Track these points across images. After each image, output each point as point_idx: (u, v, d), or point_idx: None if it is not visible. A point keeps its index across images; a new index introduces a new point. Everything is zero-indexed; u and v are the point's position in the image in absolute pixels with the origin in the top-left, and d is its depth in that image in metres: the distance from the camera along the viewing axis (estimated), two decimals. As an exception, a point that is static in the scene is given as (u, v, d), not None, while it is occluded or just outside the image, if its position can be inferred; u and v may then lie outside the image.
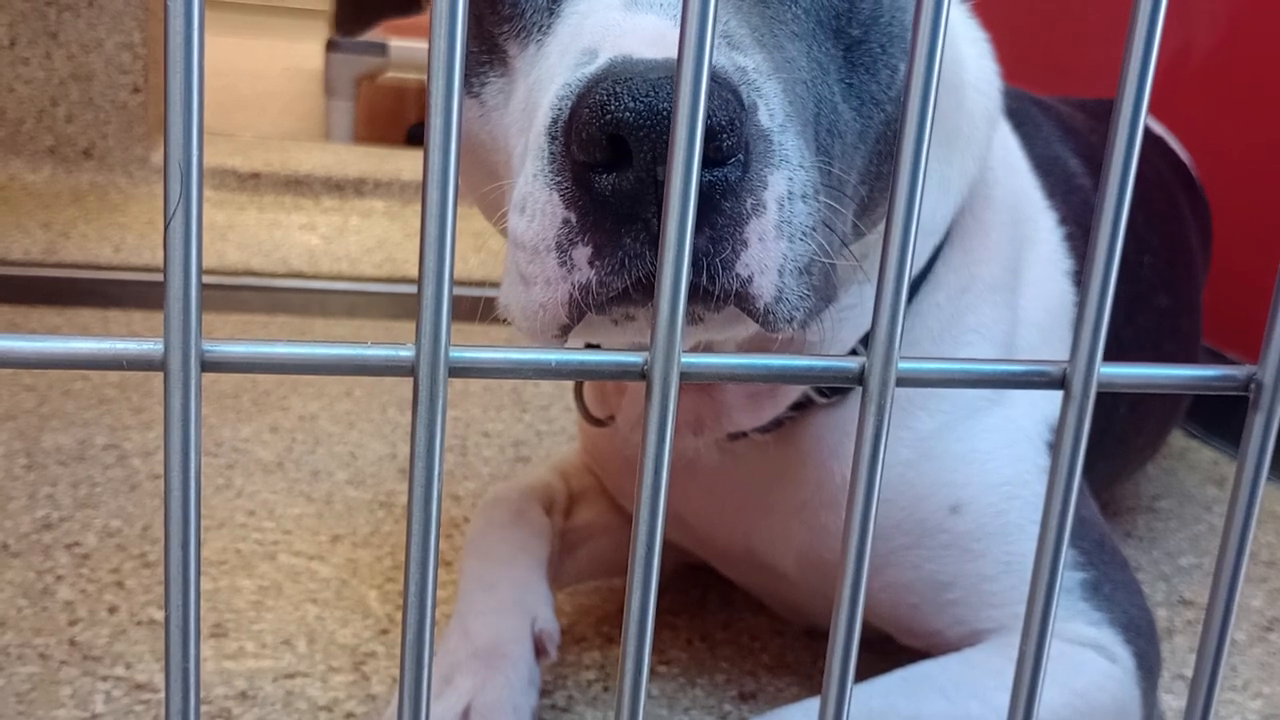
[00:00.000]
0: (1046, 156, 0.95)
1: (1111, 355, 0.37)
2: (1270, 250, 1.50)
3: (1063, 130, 1.03)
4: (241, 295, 1.88)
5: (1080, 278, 0.87)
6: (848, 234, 0.63)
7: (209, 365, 0.33)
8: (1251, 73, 1.54)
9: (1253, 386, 0.40)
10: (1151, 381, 0.40)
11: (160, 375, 0.33)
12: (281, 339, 0.34)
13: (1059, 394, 0.38)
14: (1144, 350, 1.04)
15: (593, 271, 0.52)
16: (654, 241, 0.50)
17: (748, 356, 0.38)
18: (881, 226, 0.64)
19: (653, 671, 0.90)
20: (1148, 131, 0.36)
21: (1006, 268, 0.82)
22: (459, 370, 0.35)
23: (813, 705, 0.69)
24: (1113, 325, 0.38)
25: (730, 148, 0.49)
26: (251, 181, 2.46)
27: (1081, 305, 0.37)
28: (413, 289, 1.89)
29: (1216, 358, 1.45)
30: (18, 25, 2.34)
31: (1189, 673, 0.96)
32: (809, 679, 0.91)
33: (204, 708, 0.82)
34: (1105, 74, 1.77)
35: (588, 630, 0.96)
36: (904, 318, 0.36)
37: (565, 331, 0.55)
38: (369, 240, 2.21)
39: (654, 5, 0.54)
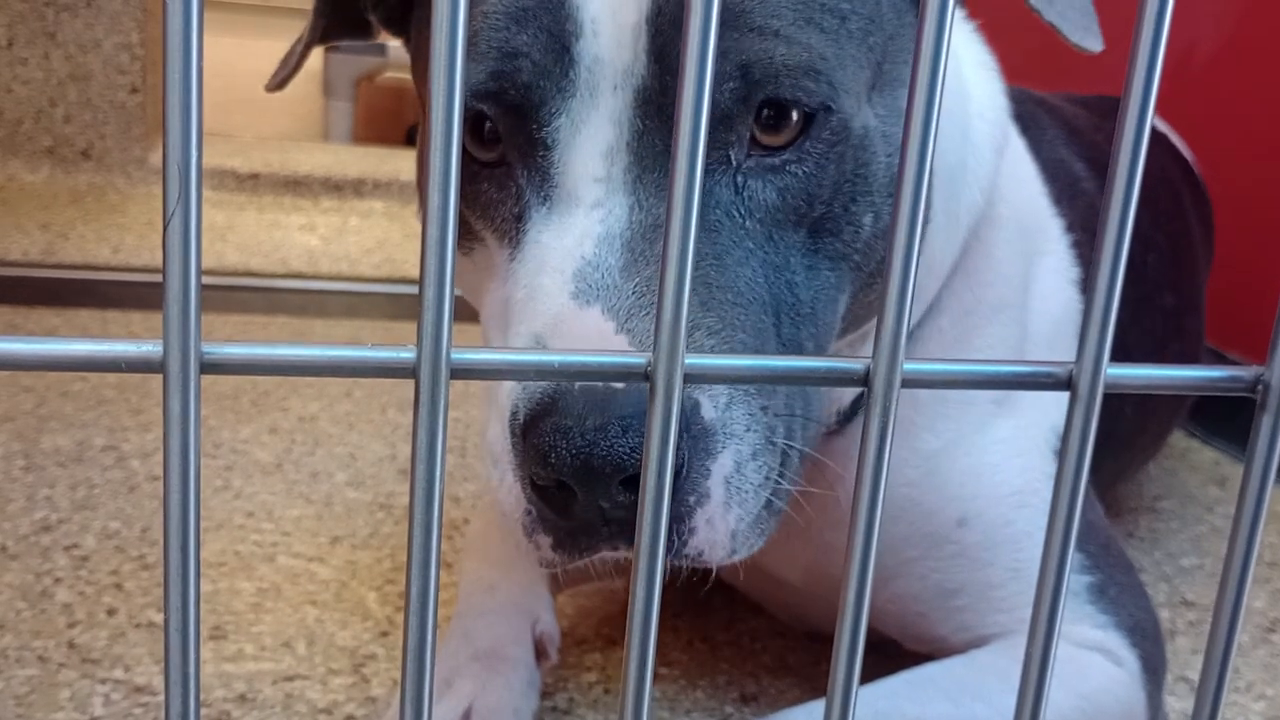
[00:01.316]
0: (1053, 160, 0.95)
1: (1117, 356, 0.37)
2: (1273, 250, 1.49)
3: (1067, 132, 1.03)
4: (240, 296, 1.88)
5: (1087, 285, 0.87)
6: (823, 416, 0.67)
7: (208, 367, 0.33)
8: (1255, 71, 1.54)
9: (1260, 387, 0.39)
10: (1158, 382, 0.40)
11: (159, 377, 0.32)
12: (281, 340, 0.34)
13: (1064, 401, 0.38)
14: (1149, 351, 1.04)
15: (556, 555, 0.58)
16: (613, 535, 0.56)
17: (752, 358, 0.38)
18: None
19: (654, 674, 0.89)
20: (1150, 129, 0.35)
21: (1014, 285, 0.82)
22: (461, 372, 0.34)
23: (815, 708, 0.69)
24: (1118, 326, 0.37)
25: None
26: (250, 182, 2.45)
27: (1088, 305, 0.37)
28: (412, 290, 1.89)
29: (1218, 358, 1.44)
30: (16, 26, 2.34)
31: (1191, 674, 0.96)
32: (811, 681, 0.91)
33: (203, 710, 0.82)
34: (1108, 71, 1.76)
35: (588, 632, 0.96)
36: (906, 344, 0.36)
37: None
38: (368, 241, 2.21)
39: (600, 292, 0.57)
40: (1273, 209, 1.50)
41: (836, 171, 0.62)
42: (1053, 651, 0.40)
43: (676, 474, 0.54)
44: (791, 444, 0.61)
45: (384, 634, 0.93)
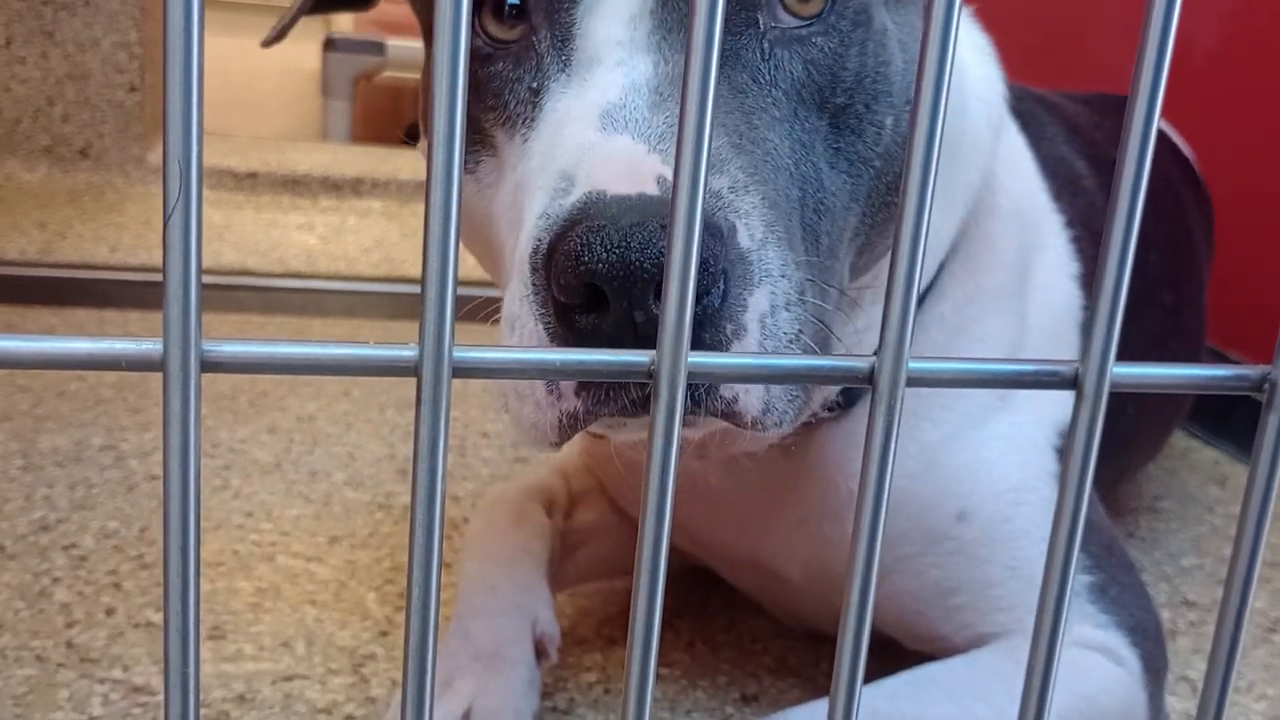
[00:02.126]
0: (1053, 157, 0.95)
1: (1118, 354, 0.37)
2: (1275, 249, 1.49)
3: (1068, 129, 1.03)
4: (238, 295, 1.87)
5: (1086, 280, 0.87)
6: (844, 293, 0.64)
7: (209, 365, 0.32)
8: (1256, 69, 1.54)
9: (1266, 387, 0.39)
10: (1164, 381, 0.39)
11: (158, 376, 0.32)
12: (281, 339, 0.34)
13: (1067, 399, 0.38)
14: (1150, 349, 1.04)
15: (579, 401, 0.54)
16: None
17: (756, 356, 0.37)
18: (888, 250, 0.65)
19: (655, 674, 0.89)
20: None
21: (1013, 275, 0.82)
22: (463, 370, 0.34)
23: (817, 707, 0.69)
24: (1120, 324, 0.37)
25: (707, 281, 0.51)
26: (249, 181, 2.45)
27: (1094, 304, 0.37)
28: (411, 289, 1.88)
29: (1218, 357, 1.44)
30: (13, 24, 2.33)
31: (1192, 674, 0.96)
32: (811, 681, 0.91)
33: (202, 710, 0.81)
34: (1108, 69, 1.76)
35: (589, 632, 0.95)
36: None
37: (560, 444, 0.57)
38: (367, 240, 2.20)
39: (628, 123, 0.56)
40: (1274, 208, 1.50)
41: (859, 57, 0.62)
42: (1057, 652, 0.39)
43: (712, 294, 0.52)
44: (820, 311, 0.59)
45: (383, 634, 0.93)
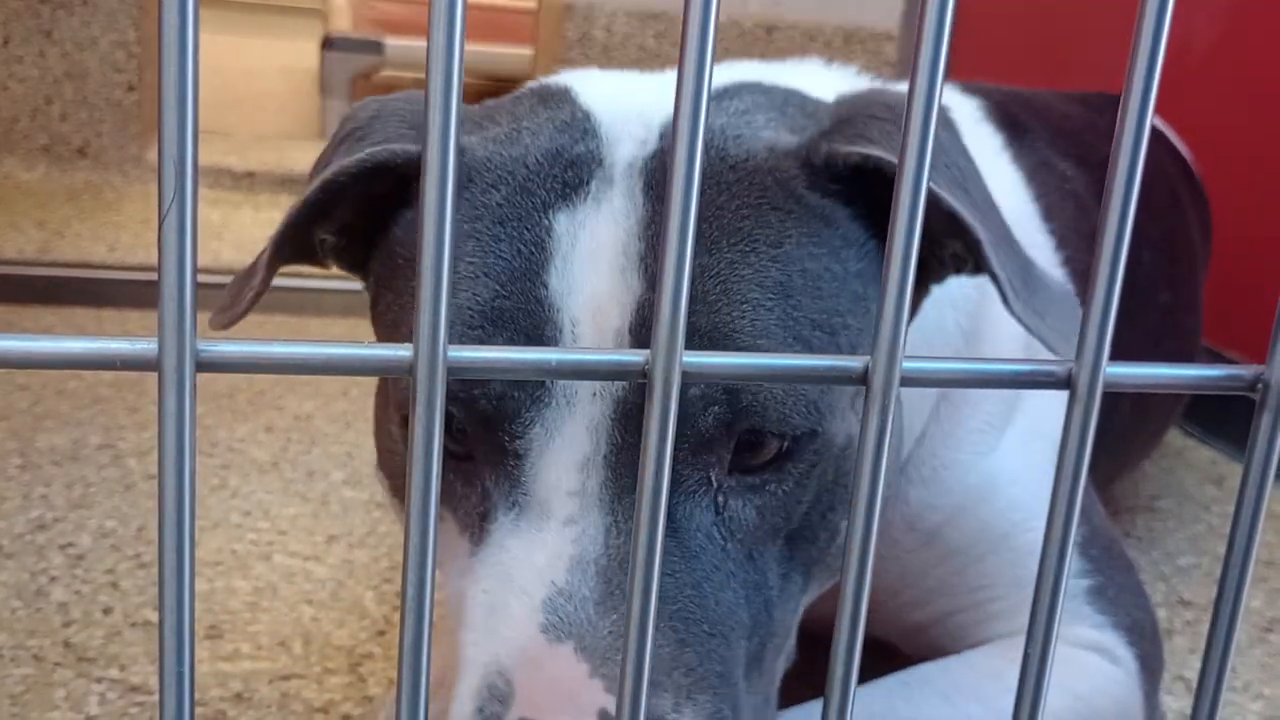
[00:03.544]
0: (1039, 164, 0.95)
1: (1111, 353, 0.37)
2: (1270, 249, 1.49)
3: (1054, 130, 1.03)
4: (237, 294, 1.87)
5: (1078, 300, 0.87)
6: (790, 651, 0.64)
7: (204, 365, 0.33)
8: (1253, 68, 1.54)
9: (1260, 386, 0.39)
10: (1158, 381, 0.40)
11: (155, 375, 0.32)
12: (278, 338, 0.34)
13: (1059, 418, 0.38)
14: (1143, 348, 1.04)
15: None
16: None
17: (750, 357, 0.37)
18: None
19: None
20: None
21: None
22: (458, 370, 0.34)
23: (813, 708, 0.69)
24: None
25: None
26: (247, 180, 2.45)
27: (1087, 303, 0.37)
28: (409, 288, 1.88)
29: (1214, 356, 1.44)
30: (11, 23, 2.33)
31: (1188, 673, 0.96)
32: (807, 679, 0.91)
33: (199, 710, 0.81)
34: (1108, 69, 1.76)
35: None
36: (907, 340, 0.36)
37: None
38: (365, 239, 2.20)
39: (572, 629, 0.53)
40: (1270, 207, 1.50)
41: (817, 485, 0.60)
42: (1051, 653, 0.39)
43: None
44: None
45: (380, 633, 0.93)
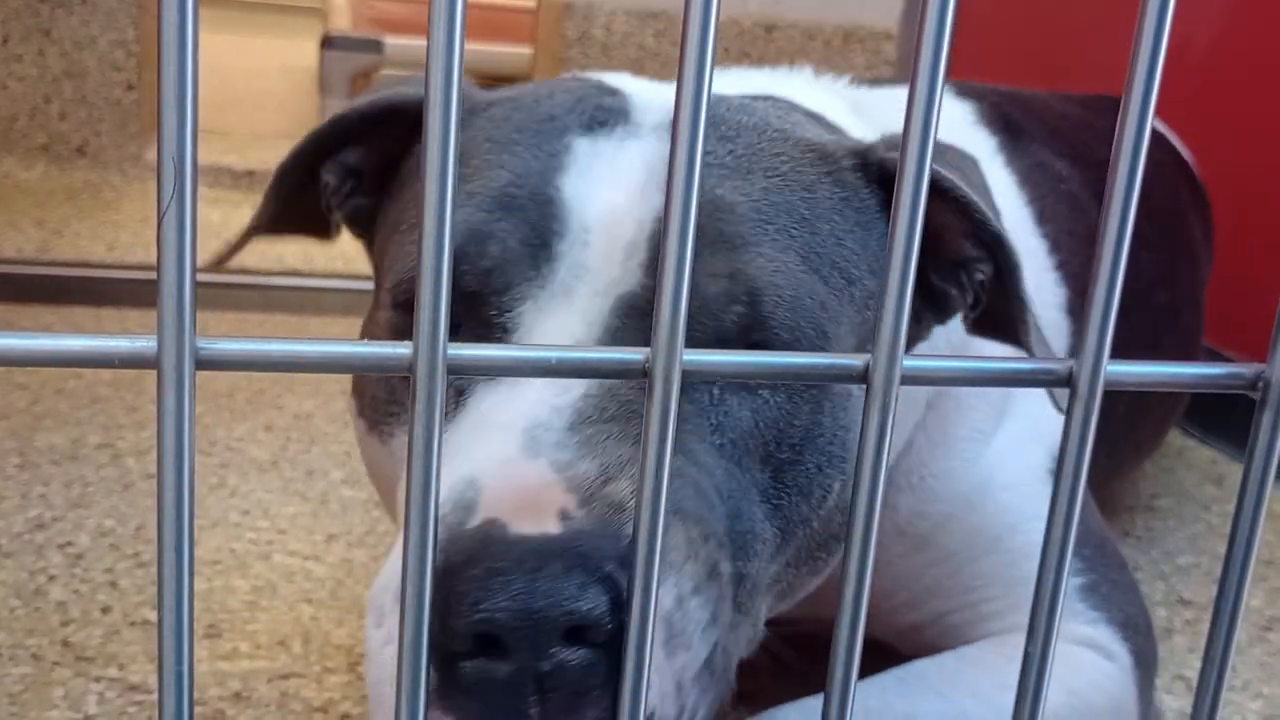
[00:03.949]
0: (1034, 165, 0.95)
1: (1112, 353, 0.37)
2: (1271, 248, 1.49)
3: (1049, 130, 1.03)
4: (236, 293, 1.87)
5: (1072, 307, 0.88)
6: (758, 627, 0.62)
7: (203, 363, 0.33)
8: (1253, 69, 1.54)
9: (1260, 385, 0.39)
10: (1158, 379, 0.40)
11: (154, 374, 0.32)
12: (277, 337, 0.34)
13: (1049, 420, 0.38)
14: (1142, 349, 1.04)
15: None
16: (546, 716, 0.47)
17: (750, 354, 0.37)
18: (805, 596, 0.65)
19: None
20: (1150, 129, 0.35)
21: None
22: (457, 368, 0.34)
23: (811, 704, 0.69)
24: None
25: (608, 633, 0.47)
26: (246, 179, 2.45)
27: (1088, 302, 0.37)
28: (408, 287, 1.88)
29: (1214, 356, 1.44)
30: (10, 22, 2.33)
31: (1188, 673, 0.96)
32: (805, 677, 0.91)
33: (198, 709, 0.81)
34: (1107, 70, 1.76)
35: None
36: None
37: None
38: (364, 238, 2.20)
39: (553, 444, 0.53)
40: (1270, 207, 1.50)
41: (811, 416, 0.60)
42: (1051, 651, 0.39)
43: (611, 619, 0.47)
44: (745, 568, 0.57)
45: (380, 632, 0.93)
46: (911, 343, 0.69)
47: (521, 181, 0.60)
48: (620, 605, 0.47)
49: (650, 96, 0.67)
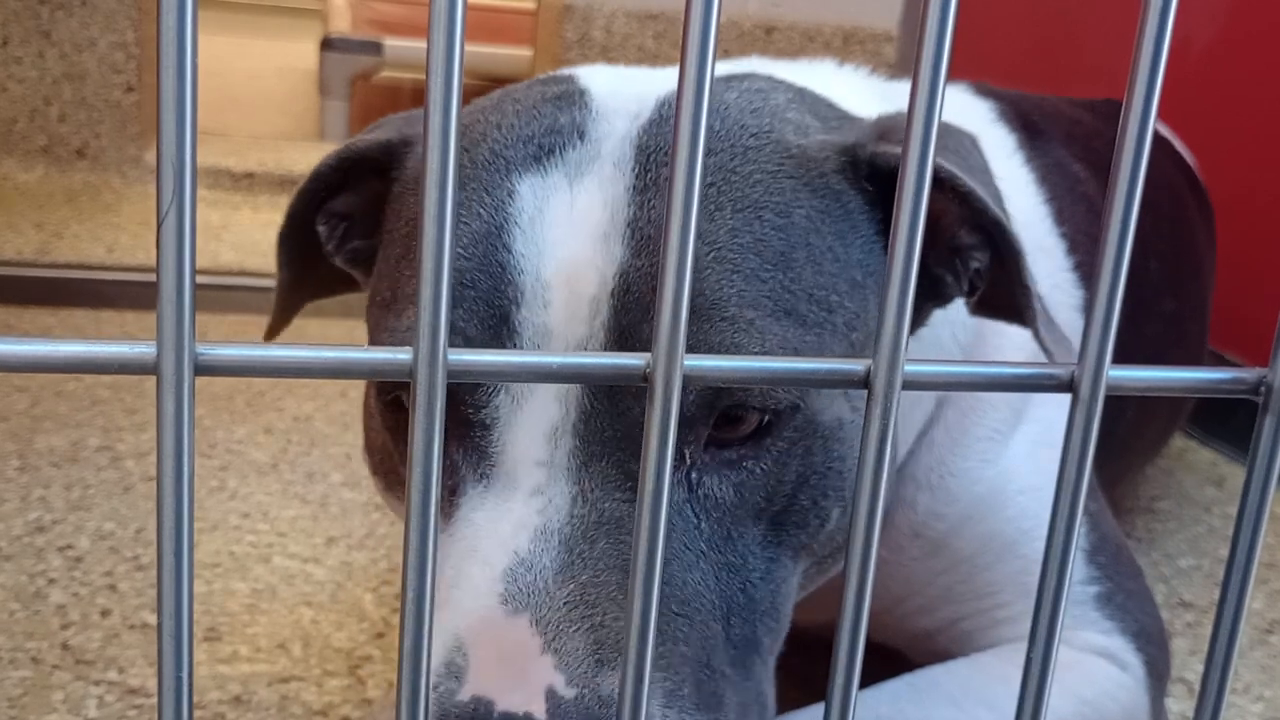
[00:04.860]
0: (1053, 164, 0.94)
1: (1116, 360, 0.37)
2: (1273, 252, 1.49)
3: (1066, 134, 1.02)
4: (236, 296, 1.87)
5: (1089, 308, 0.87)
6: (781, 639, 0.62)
7: (202, 369, 0.32)
8: (1256, 73, 1.54)
9: (1263, 389, 0.39)
10: (1161, 384, 0.39)
11: (154, 377, 0.32)
12: (277, 342, 0.33)
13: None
14: (1149, 357, 1.03)
15: None
16: None
17: (752, 359, 0.37)
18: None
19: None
20: (1153, 132, 0.35)
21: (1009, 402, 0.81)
22: (458, 374, 0.34)
23: (815, 711, 0.69)
24: (1117, 330, 0.37)
25: None
26: (246, 181, 2.44)
27: (1090, 306, 0.37)
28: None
29: (1216, 359, 1.44)
30: (10, 24, 2.33)
31: (1189, 675, 0.96)
32: (809, 684, 0.91)
33: (198, 713, 0.81)
34: (1107, 72, 1.76)
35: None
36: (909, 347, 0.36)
37: None
38: (364, 240, 2.20)
39: (530, 598, 0.52)
40: (1273, 210, 1.50)
41: (801, 466, 0.58)
42: (1053, 657, 0.39)
43: None
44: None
45: (380, 635, 0.93)
46: (913, 329, 0.68)
47: (470, 252, 0.57)
48: None
49: (618, 98, 0.63)
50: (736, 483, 0.57)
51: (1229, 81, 1.57)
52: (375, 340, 0.63)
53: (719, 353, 0.55)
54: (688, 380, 0.35)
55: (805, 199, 0.60)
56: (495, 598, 0.52)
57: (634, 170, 0.58)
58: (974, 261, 0.63)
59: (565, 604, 0.52)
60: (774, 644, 0.61)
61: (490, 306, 0.56)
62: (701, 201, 0.57)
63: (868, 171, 0.62)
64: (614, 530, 0.54)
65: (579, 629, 0.51)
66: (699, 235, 0.56)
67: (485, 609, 0.52)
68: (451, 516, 0.57)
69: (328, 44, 3.47)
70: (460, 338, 0.56)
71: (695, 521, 0.56)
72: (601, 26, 2.47)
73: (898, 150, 0.61)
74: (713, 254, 0.57)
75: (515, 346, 0.56)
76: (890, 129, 0.63)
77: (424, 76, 0.32)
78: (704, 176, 0.58)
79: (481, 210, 0.58)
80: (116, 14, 2.36)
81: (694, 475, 0.56)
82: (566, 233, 0.57)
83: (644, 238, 0.56)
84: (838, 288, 0.60)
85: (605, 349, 0.55)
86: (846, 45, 2.51)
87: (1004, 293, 0.63)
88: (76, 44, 2.36)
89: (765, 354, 0.55)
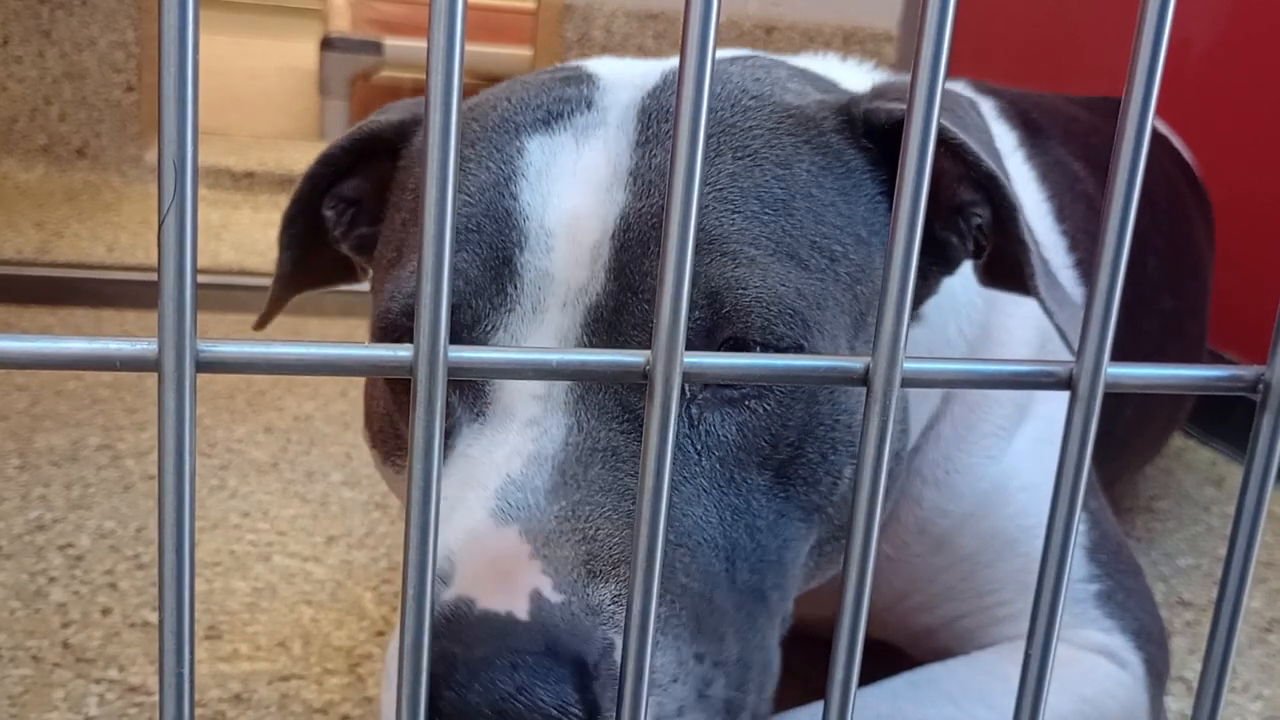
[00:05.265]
0: (1053, 164, 0.95)
1: (1114, 358, 0.37)
2: (1271, 250, 1.49)
3: (1065, 132, 1.03)
4: (236, 295, 1.87)
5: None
6: (787, 614, 0.61)
7: (204, 366, 0.32)
8: (1254, 70, 1.54)
9: (1261, 387, 0.39)
10: (1159, 382, 0.40)
11: (154, 376, 0.32)
12: (277, 339, 0.34)
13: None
14: (1147, 354, 1.04)
15: None
16: None
17: (751, 357, 0.37)
18: (833, 575, 0.64)
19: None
20: (1152, 130, 0.35)
21: (1023, 319, 0.80)
22: (458, 370, 0.34)
23: (815, 709, 0.69)
24: (1116, 327, 0.37)
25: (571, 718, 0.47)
26: (246, 181, 2.45)
27: (1088, 304, 0.37)
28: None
29: (1215, 357, 1.44)
30: (10, 23, 2.33)
31: (1188, 674, 0.96)
32: (808, 682, 0.91)
33: (198, 711, 0.81)
34: (1107, 70, 1.76)
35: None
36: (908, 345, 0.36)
37: None
38: (364, 240, 2.20)
39: (520, 512, 0.52)
40: (1271, 209, 1.50)
41: (805, 413, 0.58)
42: (1052, 652, 0.39)
43: None
44: (742, 699, 0.55)
45: (380, 634, 0.93)
46: (922, 300, 0.68)
47: (477, 199, 0.58)
48: (575, 709, 0.47)
49: (623, 78, 0.65)
50: (739, 421, 0.57)
51: (1229, 81, 1.57)
52: (379, 302, 0.63)
53: (721, 289, 0.55)
54: (688, 378, 0.35)
55: (806, 154, 0.61)
56: (485, 512, 0.52)
57: (637, 128, 0.60)
58: (975, 218, 0.63)
59: (556, 517, 0.52)
60: (781, 603, 0.60)
61: (493, 249, 0.57)
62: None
63: (864, 129, 0.62)
64: (609, 458, 0.54)
65: (570, 540, 0.51)
66: (701, 179, 0.58)
67: (475, 522, 0.52)
68: (448, 457, 0.57)
69: (328, 44, 3.47)
70: (462, 279, 0.57)
71: (696, 457, 0.56)
72: (601, 26, 2.47)
73: (891, 106, 0.62)
74: (713, 194, 0.58)
75: (516, 289, 0.56)
76: (885, 89, 0.64)
77: (424, 76, 0.32)
78: (705, 134, 0.60)
79: (490, 164, 0.59)
80: (116, 13, 2.36)
81: (694, 410, 0.57)
82: (571, 186, 0.58)
83: (645, 183, 0.58)
84: (841, 239, 0.60)
85: (605, 290, 0.56)
86: (846, 45, 2.51)
87: (1007, 255, 0.63)
88: (76, 43, 2.36)
89: (767, 289, 0.56)
